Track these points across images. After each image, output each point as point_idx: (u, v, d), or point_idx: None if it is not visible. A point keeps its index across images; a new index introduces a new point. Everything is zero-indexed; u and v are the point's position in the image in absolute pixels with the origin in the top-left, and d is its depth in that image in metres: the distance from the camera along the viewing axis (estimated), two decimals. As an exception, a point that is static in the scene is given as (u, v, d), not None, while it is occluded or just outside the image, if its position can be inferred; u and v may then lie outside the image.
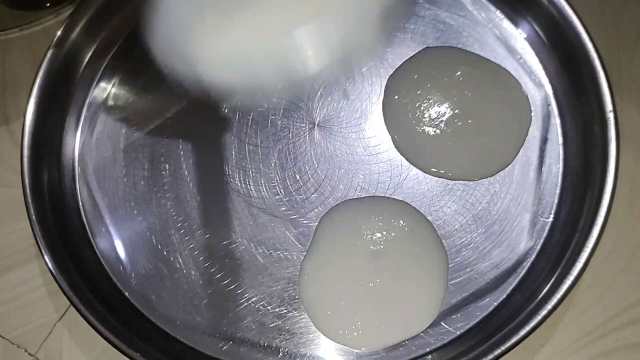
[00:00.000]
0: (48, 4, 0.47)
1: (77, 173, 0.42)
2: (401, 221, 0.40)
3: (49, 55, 0.42)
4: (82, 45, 0.45)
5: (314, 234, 0.40)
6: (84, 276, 0.39)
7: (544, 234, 0.39)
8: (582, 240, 0.36)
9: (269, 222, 0.41)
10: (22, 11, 0.47)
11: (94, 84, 0.45)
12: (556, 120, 0.42)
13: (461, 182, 0.41)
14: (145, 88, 0.44)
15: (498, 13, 0.45)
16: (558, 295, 0.35)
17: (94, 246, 0.41)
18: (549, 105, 0.42)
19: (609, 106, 0.39)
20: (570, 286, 0.35)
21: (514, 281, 0.38)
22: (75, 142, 0.43)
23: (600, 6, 0.45)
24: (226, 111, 0.43)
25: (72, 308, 0.39)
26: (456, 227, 0.40)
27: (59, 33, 0.43)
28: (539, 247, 0.39)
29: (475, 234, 0.40)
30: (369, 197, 0.41)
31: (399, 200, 0.41)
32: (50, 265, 0.38)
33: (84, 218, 0.41)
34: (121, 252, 0.40)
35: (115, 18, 0.46)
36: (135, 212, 0.41)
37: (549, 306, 0.35)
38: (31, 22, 0.48)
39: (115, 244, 0.41)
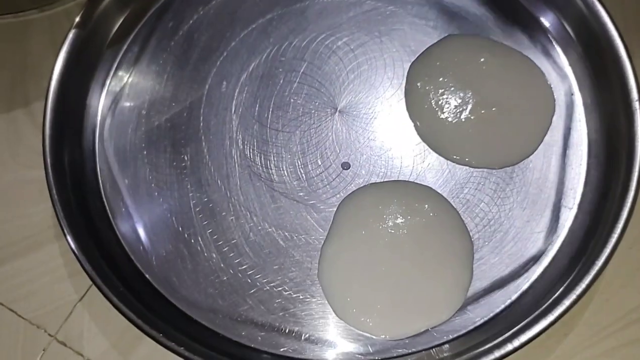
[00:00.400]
0: (69, -15, 0.47)
1: (98, 154, 0.42)
2: (426, 205, 0.39)
3: (70, 36, 0.42)
4: (104, 26, 0.44)
5: (333, 217, 0.40)
6: (105, 257, 0.39)
7: (568, 223, 0.39)
8: (608, 230, 0.36)
9: (290, 206, 0.40)
10: (42, -8, 0.47)
11: (115, 66, 0.44)
12: (580, 110, 0.42)
13: (484, 169, 0.41)
14: (166, 71, 0.44)
15: (522, 1, 0.44)
16: (583, 285, 0.35)
17: (115, 227, 0.41)
18: (572, 94, 0.42)
19: (634, 95, 0.39)
20: (595, 275, 0.35)
21: (537, 269, 0.38)
22: (96, 123, 0.43)
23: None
24: (247, 96, 0.43)
25: (92, 289, 0.39)
26: (479, 215, 0.40)
27: (80, 14, 0.43)
28: (562, 236, 0.39)
29: (499, 221, 0.39)
30: (391, 181, 0.41)
31: (422, 185, 0.41)
32: (72, 245, 0.38)
33: (104, 199, 0.41)
34: (142, 234, 0.40)
35: (135, 1, 0.45)
36: (156, 193, 0.41)
37: (574, 295, 0.35)
38: (51, 3, 0.47)
39: (136, 225, 0.41)
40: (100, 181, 0.42)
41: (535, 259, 0.38)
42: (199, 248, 0.40)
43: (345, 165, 0.41)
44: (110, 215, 0.41)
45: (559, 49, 0.43)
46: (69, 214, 0.39)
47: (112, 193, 0.41)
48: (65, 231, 0.38)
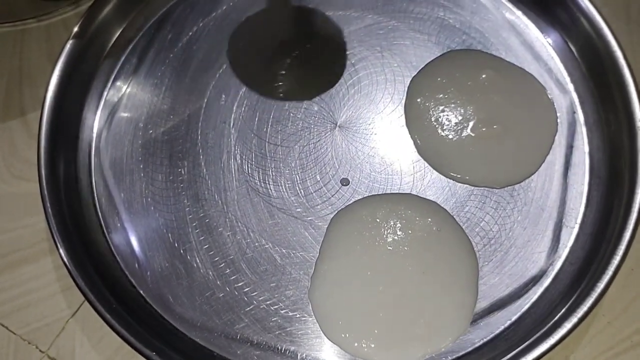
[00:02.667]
0: (67, -6, 0.47)
1: (93, 167, 0.42)
2: (429, 219, 0.39)
3: (67, 46, 0.42)
4: (102, 37, 0.44)
5: (326, 231, 0.39)
6: (98, 272, 0.38)
7: (569, 243, 0.39)
8: (610, 251, 0.36)
9: (287, 222, 0.40)
10: (40, 1, 0.47)
11: (113, 77, 0.44)
12: (582, 128, 0.41)
13: (485, 188, 0.40)
14: (164, 83, 0.44)
15: (524, 19, 0.44)
16: (585, 307, 0.35)
17: (110, 242, 0.40)
18: (574, 112, 0.42)
19: (638, 115, 0.38)
20: (597, 298, 0.35)
21: (538, 290, 0.38)
22: (92, 135, 0.43)
23: (626, 11, 0.44)
24: (246, 109, 0.43)
25: (85, 305, 0.39)
26: (480, 233, 0.39)
27: (77, 25, 0.43)
28: (564, 255, 0.38)
29: (499, 241, 0.39)
30: (389, 193, 0.40)
31: (424, 198, 0.40)
32: (65, 259, 0.37)
33: (99, 213, 0.41)
34: (137, 249, 0.40)
35: (135, 11, 0.45)
36: (152, 208, 0.40)
37: (575, 318, 0.34)
38: (49, 12, 0.47)
39: (131, 240, 0.40)
40: (95, 195, 0.41)
41: (536, 280, 0.38)
42: (194, 264, 0.39)
43: (345, 182, 0.41)
44: (104, 229, 0.40)
45: (561, 66, 0.43)
46: (62, 228, 0.38)
47: (107, 207, 0.41)
48: (58, 245, 0.37)
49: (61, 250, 0.37)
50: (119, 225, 0.40)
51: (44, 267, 0.41)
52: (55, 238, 0.37)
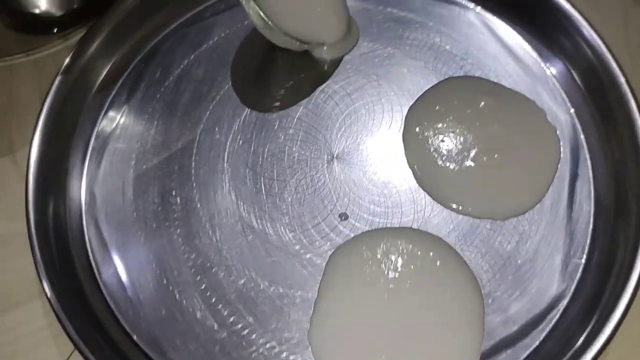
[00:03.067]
0: (56, 29, 0.46)
1: (83, 206, 0.41)
2: (430, 253, 0.37)
3: (56, 82, 0.41)
4: (91, 72, 0.43)
5: (325, 268, 0.38)
6: (90, 318, 0.37)
7: (577, 276, 0.37)
8: (620, 286, 0.34)
9: (285, 260, 0.39)
10: (29, 36, 0.46)
11: (103, 112, 0.43)
12: (586, 155, 0.40)
13: (488, 219, 0.39)
14: (156, 117, 0.42)
15: (523, 44, 0.43)
16: (596, 346, 0.33)
17: (101, 285, 0.39)
18: (577, 139, 0.41)
19: (643, 142, 0.37)
20: (609, 336, 0.33)
21: (546, 327, 0.36)
22: (82, 172, 0.41)
23: (626, 37, 0.44)
24: (241, 143, 0.41)
25: (77, 352, 0.37)
26: (484, 268, 0.38)
27: (67, 59, 0.42)
28: (571, 290, 0.37)
29: (504, 275, 0.38)
30: (388, 228, 0.39)
31: (424, 232, 0.39)
32: (54, 305, 0.36)
33: (90, 254, 0.39)
34: (130, 292, 0.38)
35: (126, 45, 0.44)
36: (145, 249, 0.39)
37: (587, 357, 0.33)
38: (38, 47, 0.46)
39: (124, 282, 0.38)
40: (86, 235, 0.40)
41: (544, 316, 0.37)
42: (189, 306, 0.38)
43: (343, 216, 0.39)
44: (96, 271, 0.39)
45: (562, 92, 0.42)
46: (51, 271, 0.37)
47: (99, 248, 0.39)
48: (47, 291, 0.36)
49: (50, 297, 0.36)
50: (110, 267, 0.39)
51: (34, 311, 0.39)
52: (44, 283, 0.36)
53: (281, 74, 0.43)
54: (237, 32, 0.44)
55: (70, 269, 0.38)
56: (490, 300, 0.37)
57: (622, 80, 0.38)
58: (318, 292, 0.37)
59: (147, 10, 0.44)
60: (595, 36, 0.40)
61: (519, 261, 0.38)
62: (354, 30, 0.44)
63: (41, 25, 0.45)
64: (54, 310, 0.36)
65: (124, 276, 0.39)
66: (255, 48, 0.44)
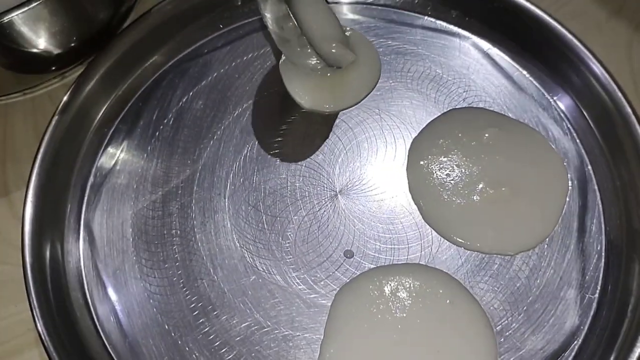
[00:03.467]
0: (54, 67, 0.45)
1: (81, 247, 0.39)
2: (440, 290, 0.36)
3: (53, 122, 0.40)
4: (89, 110, 0.43)
5: (330, 310, 0.37)
6: (88, 365, 0.35)
7: (591, 312, 0.36)
8: (637, 322, 0.33)
9: (290, 301, 0.37)
10: (26, 75, 0.45)
11: (101, 151, 0.42)
12: (594, 187, 0.39)
13: (497, 255, 0.38)
14: (155, 155, 0.42)
15: (526, 74, 0.43)
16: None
17: (100, 332, 0.37)
18: (585, 170, 0.40)
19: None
20: (628, 377, 0.32)
21: (562, 368, 0.35)
22: (80, 213, 0.40)
23: (631, 65, 0.43)
24: (242, 180, 0.41)
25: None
26: (494, 305, 0.37)
27: (64, 98, 0.41)
28: (586, 326, 0.36)
29: (516, 312, 0.36)
30: (395, 264, 0.38)
31: (433, 268, 0.37)
32: (52, 354, 0.34)
33: (88, 299, 0.38)
34: (130, 338, 0.37)
35: (124, 82, 0.44)
36: (145, 292, 0.38)
37: (607, 399, 0.32)
38: (35, 86, 0.46)
39: (124, 327, 0.37)
40: (84, 279, 0.39)
41: (557, 355, 0.35)
42: (192, 353, 0.36)
43: (349, 254, 0.38)
44: (94, 315, 0.38)
45: (568, 122, 0.41)
46: (48, 319, 0.35)
47: (97, 291, 0.38)
48: (44, 339, 0.34)
49: (47, 345, 0.34)
50: (110, 312, 0.38)
51: (31, 358, 0.38)
52: (41, 332, 0.35)
53: (282, 109, 0.42)
54: (237, 68, 0.44)
55: (67, 314, 0.37)
56: (502, 339, 0.36)
57: (629, 110, 0.38)
58: (324, 334, 0.36)
59: (144, 47, 0.44)
60: (599, 66, 0.39)
61: (531, 297, 0.37)
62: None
63: (39, 64, 0.44)
64: (50, 358, 0.34)
65: (123, 321, 0.37)
66: (256, 83, 0.43)
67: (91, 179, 0.41)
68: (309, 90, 0.42)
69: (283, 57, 0.43)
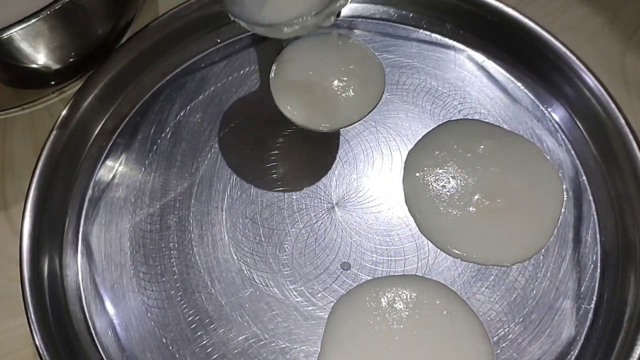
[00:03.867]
0: (53, 82, 0.46)
1: (80, 262, 0.39)
2: (437, 301, 0.36)
3: (52, 136, 0.41)
4: (88, 124, 0.43)
5: (327, 322, 0.37)
6: (86, 380, 0.35)
7: (587, 323, 0.36)
8: (633, 331, 0.33)
9: (287, 313, 0.37)
10: (24, 90, 0.46)
11: (99, 165, 0.42)
12: (589, 197, 0.40)
13: (493, 266, 0.38)
14: (153, 169, 0.42)
15: (522, 87, 0.43)
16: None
17: (98, 346, 0.37)
18: (579, 181, 0.40)
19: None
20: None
21: (559, 378, 0.35)
22: (79, 227, 0.41)
23: (624, 75, 0.44)
24: (239, 193, 0.41)
25: (72, 416, 0.36)
26: (491, 316, 0.37)
27: (63, 112, 0.42)
28: (582, 337, 0.36)
29: (512, 323, 0.36)
30: (391, 276, 0.38)
31: (430, 279, 0.38)
32: (49, 369, 0.34)
33: (86, 313, 0.38)
34: (127, 352, 0.37)
35: (122, 96, 0.44)
36: (143, 306, 0.38)
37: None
38: (33, 100, 0.46)
39: (122, 341, 0.37)
40: (82, 292, 0.39)
41: (555, 367, 0.35)
42: (190, 367, 0.36)
43: (345, 266, 0.39)
44: (92, 329, 0.38)
45: (562, 133, 0.42)
46: (47, 333, 0.35)
47: (95, 305, 0.38)
48: (42, 355, 0.34)
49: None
50: (108, 326, 0.38)
51: (28, 374, 0.38)
52: (39, 346, 0.35)
53: (279, 122, 0.43)
54: (233, 82, 0.44)
55: (65, 328, 0.37)
56: (499, 350, 0.36)
57: (622, 121, 0.38)
58: (321, 346, 0.36)
59: (142, 62, 0.44)
60: (592, 78, 0.40)
61: (527, 308, 0.37)
62: None
63: (38, 79, 0.44)
64: (48, 374, 0.34)
65: (121, 334, 0.37)
66: (253, 97, 0.44)
67: (89, 192, 0.42)
68: (303, 107, 0.42)
69: (273, 72, 0.43)
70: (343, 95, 0.43)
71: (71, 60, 0.44)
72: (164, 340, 0.37)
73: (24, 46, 0.40)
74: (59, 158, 0.41)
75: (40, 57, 0.42)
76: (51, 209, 0.40)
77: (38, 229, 0.39)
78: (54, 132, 0.41)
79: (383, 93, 0.43)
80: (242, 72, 0.45)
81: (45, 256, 0.39)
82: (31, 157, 0.41)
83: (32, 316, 0.35)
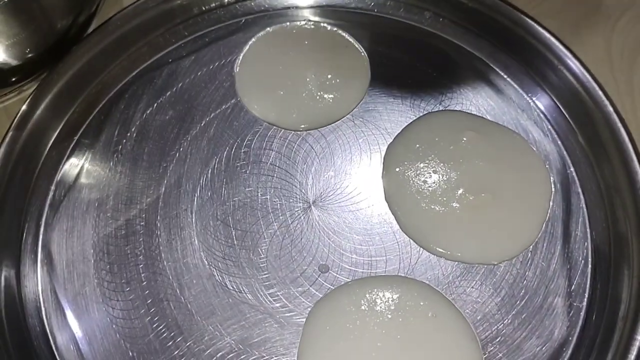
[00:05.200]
0: (13, 79, 0.43)
1: (39, 272, 0.37)
2: (421, 303, 0.34)
3: (8, 138, 0.38)
4: (48, 124, 0.40)
5: (303, 328, 0.35)
6: (45, 399, 0.33)
7: (580, 322, 0.34)
8: (629, 330, 0.31)
9: (262, 321, 0.35)
10: (-20, 89, 0.43)
11: (61, 167, 0.40)
12: (578, 189, 0.38)
13: (480, 265, 0.36)
14: (118, 171, 0.39)
15: (505, 76, 0.41)
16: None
17: (57, 357, 0.35)
18: (567, 172, 0.38)
19: (637, 169, 0.35)
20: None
21: (551, 382, 0.33)
22: (38, 234, 0.38)
23: (610, 63, 0.42)
24: (210, 194, 0.38)
25: None
26: (478, 317, 0.35)
27: (20, 112, 0.39)
28: (575, 337, 0.34)
29: (501, 324, 0.35)
30: (373, 277, 0.36)
31: (413, 279, 0.35)
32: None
33: (46, 326, 0.36)
34: (90, 367, 0.34)
35: (85, 93, 0.42)
36: (108, 317, 0.36)
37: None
38: (6, 94, 0.43)
39: (83, 354, 0.35)
40: (42, 304, 0.36)
41: (547, 368, 0.33)
42: (157, 381, 0.34)
43: (323, 268, 0.36)
44: (51, 341, 0.35)
45: (547, 122, 0.40)
46: (3, 350, 0.33)
47: (56, 318, 0.36)
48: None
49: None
50: (69, 340, 0.35)
51: (-16, 393, 0.35)
52: (-8, 364, 0.32)
53: (251, 118, 0.40)
54: (203, 77, 0.42)
55: (24, 340, 0.35)
56: (487, 354, 0.34)
57: (610, 109, 0.36)
58: (297, 355, 0.34)
59: (106, 57, 0.42)
60: (578, 64, 0.38)
61: (516, 308, 0.35)
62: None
63: (-3, 75, 0.42)
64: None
65: (84, 349, 0.35)
66: (222, 92, 0.41)
67: (50, 196, 0.39)
68: (273, 105, 0.40)
69: (237, 67, 0.41)
70: (321, 90, 0.40)
71: (29, 56, 0.41)
72: (130, 353, 0.35)
73: (-23, 42, 0.37)
74: (17, 160, 0.38)
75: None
76: (8, 215, 0.37)
77: (-6, 238, 0.36)
78: (10, 133, 0.38)
79: (368, 87, 0.41)
80: (211, 66, 0.42)
81: (1, 266, 0.36)
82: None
83: (-15, 331, 0.33)
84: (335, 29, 0.42)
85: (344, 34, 0.42)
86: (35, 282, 0.37)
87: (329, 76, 0.41)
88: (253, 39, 0.42)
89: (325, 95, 0.40)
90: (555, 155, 0.39)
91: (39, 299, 0.36)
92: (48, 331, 0.35)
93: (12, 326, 0.35)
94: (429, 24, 0.43)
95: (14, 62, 0.41)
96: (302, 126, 0.40)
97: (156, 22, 0.43)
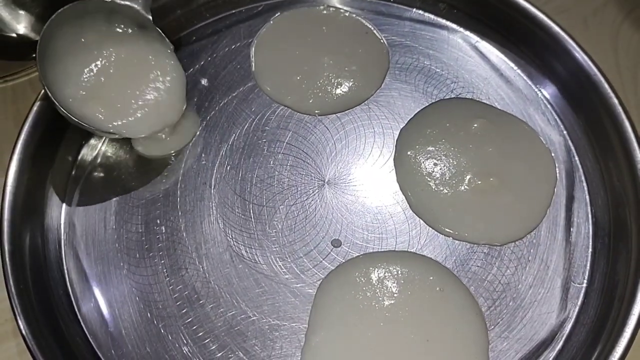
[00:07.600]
0: (35, 55, 0.44)
1: (63, 238, 0.38)
2: (430, 277, 0.36)
3: (35, 108, 0.39)
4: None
5: (314, 298, 0.36)
6: (68, 356, 0.34)
7: (579, 301, 0.36)
8: (625, 310, 0.33)
9: (276, 290, 0.37)
10: (6, 62, 0.44)
11: (84, 139, 0.41)
12: (581, 177, 0.39)
13: (486, 245, 0.38)
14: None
15: (514, 67, 0.43)
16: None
17: (80, 320, 0.36)
18: (572, 161, 0.40)
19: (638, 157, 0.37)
20: (617, 363, 0.32)
21: (550, 355, 0.35)
22: (62, 201, 0.40)
23: (616, 54, 0.44)
24: (228, 168, 0.40)
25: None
26: (484, 294, 0.36)
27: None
28: (574, 316, 0.36)
29: (504, 302, 0.36)
30: (383, 251, 0.37)
31: (422, 255, 0.37)
32: (29, 344, 0.33)
33: (69, 289, 0.37)
34: (111, 327, 0.36)
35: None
36: (128, 281, 0.37)
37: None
38: (15, 73, 0.45)
39: (105, 317, 0.36)
40: (65, 269, 0.38)
41: (547, 343, 0.35)
42: (175, 342, 0.36)
43: (336, 243, 0.38)
44: (75, 306, 0.37)
45: (555, 113, 0.42)
46: (28, 308, 0.34)
47: (78, 282, 0.37)
48: (23, 329, 0.33)
49: (25, 334, 0.33)
50: (91, 302, 0.37)
51: (9, 351, 0.37)
52: (19, 321, 0.33)
53: (268, 100, 0.42)
54: (222, 59, 0.43)
55: (48, 304, 0.36)
56: (491, 327, 0.36)
57: (615, 101, 0.38)
58: (309, 323, 0.36)
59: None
60: (585, 56, 0.39)
61: (519, 286, 0.36)
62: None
63: (18, 50, 0.43)
64: (29, 349, 0.33)
65: (105, 310, 0.36)
66: (243, 72, 0.43)
67: (74, 168, 0.41)
68: (290, 89, 0.42)
69: (253, 51, 0.42)
70: (339, 77, 0.42)
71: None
72: (149, 315, 0.36)
73: (4, 14, 0.38)
74: (42, 132, 0.39)
75: (20, 27, 0.41)
76: (33, 183, 0.39)
77: (20, 203, 0.37)
78: (37, 104, 0.39)
79: (386, 76, 0.42)
80: (232, 47, 0.44)
81: (27, 230, 0.38)
82: (13, 131, 0.40)
83: (13, 288, 0.34)
84: (354, 15, 0.44)
85: (364, 21, 0.44)
86: (59, 247, 0.38)
87: (347, 63, 0.42)
88: (270, 22, 0.44)
89: (343, 83, 0.42)
90: (560, 144, 0.40)
91: (63, 263, 0.38)
92: (71, 293, 0.37)
93: (36, 288, 0.36)
94: (443, 15, 0.45)
95: (36, 37, 0.43)
96: (317, 111, 0.41)
97: (179, 2, 0.44)
